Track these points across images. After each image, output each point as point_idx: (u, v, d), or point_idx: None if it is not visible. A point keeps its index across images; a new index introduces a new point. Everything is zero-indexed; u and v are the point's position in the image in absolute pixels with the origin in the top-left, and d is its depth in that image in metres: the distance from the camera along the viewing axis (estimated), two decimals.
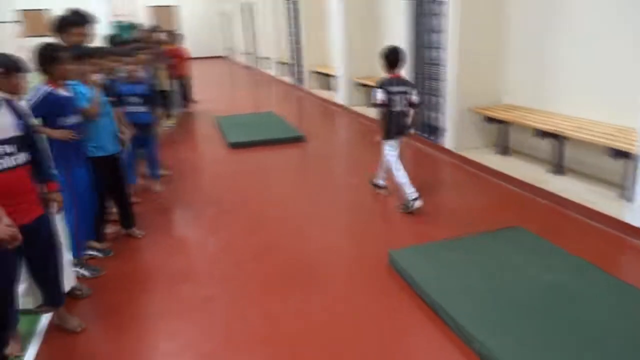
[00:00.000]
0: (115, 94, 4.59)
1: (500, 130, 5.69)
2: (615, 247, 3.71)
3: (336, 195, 5.10)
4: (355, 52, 9.21)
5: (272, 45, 15.36)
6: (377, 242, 3.85)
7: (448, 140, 6.11)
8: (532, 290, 2.96)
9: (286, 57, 14.79)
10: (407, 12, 6.66)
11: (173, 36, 8.97)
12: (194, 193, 5.26)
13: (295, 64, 13.15)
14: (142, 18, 21.98)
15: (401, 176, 4.35)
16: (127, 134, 4.00)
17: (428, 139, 6.61)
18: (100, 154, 3.60)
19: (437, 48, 6.16)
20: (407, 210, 4.34)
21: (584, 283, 3.01)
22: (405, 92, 4.29)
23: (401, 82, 4.33)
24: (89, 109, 3.43)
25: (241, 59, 21.42)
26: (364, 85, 9.16)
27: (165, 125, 8.39)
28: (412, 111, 4.40)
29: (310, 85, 12.19)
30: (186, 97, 9.80)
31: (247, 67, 19.98)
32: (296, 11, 12.24)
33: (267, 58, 17.09)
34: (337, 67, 9.69)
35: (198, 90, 14.18)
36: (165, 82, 7.96)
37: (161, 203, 4.98)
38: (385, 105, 4.24)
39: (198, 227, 4.41)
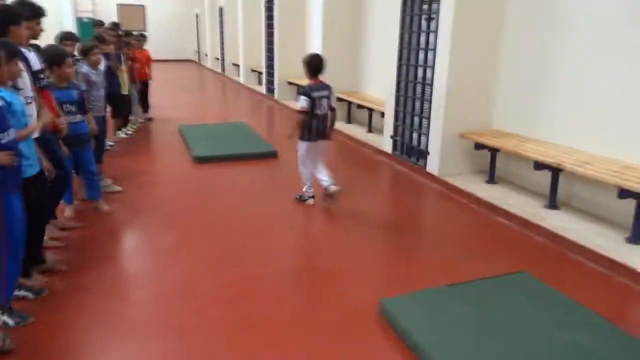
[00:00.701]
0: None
1: (489, 158, 5.33)
2: (624, 296, 3.35)
3: (314, 224, 4.58)
4: (335, 65, 8.74)
5: (242, 52, 14.78)
6: (365, 286, 3.34)
7: (431, 164, 5.71)
8: (548, 351, 2.52)
9: (258, 65, 14.26)
10: (395, 27, 6.26)
11: (135, 37, 8.26)
12: (150, 215, 4.62)
13: (267, 73, 12.61)
14: (110, 16, 21.00)
15: (305, 172, 4.82)
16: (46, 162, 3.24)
17: (409, 161, 6.20)
18: (31, 172, 2.95)
19: (425, 66, 5.78)
20: (298, 198, 4.92)
21: (606, 344, 2.60)
22: (327, 97, 4.56)
23: (322, 87, 4.56)
24: (23, 132, 2.80)
25: (210, 64, 20.70)
26: (343, 100, 8.72)
27: (124, 132, 7.69)
28: (330, 114, 4.68)
29: (283, 95, 11.68)
30: (146, 102, 9.06)
31: (215, 73, 19.28)
32: (271, 18, 11.74)
33: (237, 65, 16.49)
34: None
35: (163, 95, 13.48)
36: (125, 86, 7.26)
37: (109, 226, 4.32)
38: (307, 112, 4.47)
39: (152, 259, 3.78)
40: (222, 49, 18.15)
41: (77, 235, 4.05)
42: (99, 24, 8.08)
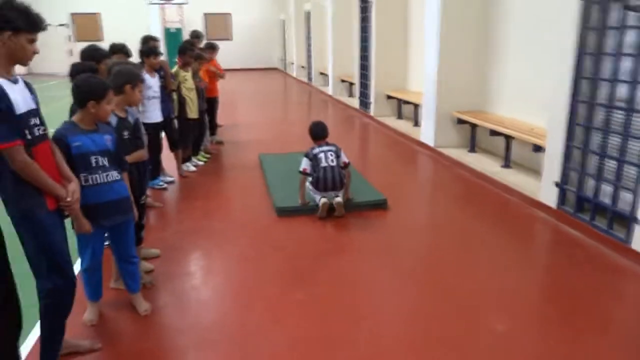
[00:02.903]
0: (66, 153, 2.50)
1: None
2: None
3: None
4: (456, 78, 6.78)
5: (331, 60, 13.15)
6: None
7: None
8: None
9: (348, 74, 12.58)
10: (568, 22, 4.17)
11: (203, 48, 6.72)
12: (213, 324, 2.97)
13: (361, 84, 10.82)
14: (197, 25, 20.50)
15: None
16: None
17: (594, 227, 4.06)
18: None
19: (636, 83, 3.64)
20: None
21: None
22: (332, 151, 4.61)
23: (326, 144, 4.68)
24: None
25: (296, 73, 19.40)
26: (464, 122, 6.69)
27: (193, 164, 6.25)
28: (344, 171, 4.63)
29: (380, 111, 9.83)
30: (213, 122, 7.55)
31: (301, 82, 17.91)
32: (367, 20, 9.96)
33: (324, 74, 14.95)
34: (426, 94, 7.26)
35: (244, 110, 12.21)
36: (194, 108, 5.82)
37: (144, 349, 2.72)
38: (307, 174, 4.59)
39: None
40: (308, 56, 16.72)
41: None
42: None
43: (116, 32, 20.83)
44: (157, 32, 21.05)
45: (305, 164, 4.58)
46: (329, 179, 4.51)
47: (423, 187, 6.08)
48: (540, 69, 5.52)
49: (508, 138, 5.84)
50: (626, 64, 3.72)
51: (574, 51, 4.15)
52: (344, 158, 4.65)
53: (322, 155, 4.55)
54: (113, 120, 2.96)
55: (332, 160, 4.55)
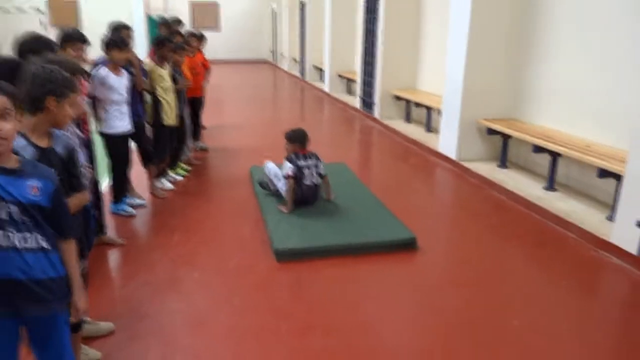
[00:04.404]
0: None
1: None
2: None
3: None
4: (485, 79, 5.74)
5: (329, 54, 12.03)
6: None
7: None
8: None
9: (347, 70, 11.50)
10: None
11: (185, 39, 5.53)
12: None
13: (364, 82, 9.72)
14: (182, 15, 19.14)
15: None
16: None
17: None
18: None
19: None
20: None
21: None
22: (317, 166, 4.32)
23: (309, 155, 4.35)
24: None
25: (287, 66, 18.20)
26: (496, 133, 5.65)
27: (170, 180, 5.11)
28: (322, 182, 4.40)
29: (387, 113, 8.76)
30: (197, 126, 6.36)
31: (293, 77, 16.74)
32: (374, 11, 8.86)
33: (319, 69, 13.82)
34: (447, 97, 6.19)
35: (231, 108, 11.02)
36: (171, 113, 4.69)
37: None
38: (295, 179, 4.19)
39: None
40: (302, 49, 15.54)
41: None
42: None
43: (95, 19, 19.46)
44: (140, 21, 19.64)
45: (289, 169, 4.19)
46: (309, 197, 4.32)
47: (452, 215, 4.96)
48: (601, 71, 4.51)
49: (554, 155, 4.82)
50: None
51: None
52: (322, 170, 4.38)
53: (307, 171, 4.25)
54: (27, 152, 1.84)
55: (316, 179, 4.31)
